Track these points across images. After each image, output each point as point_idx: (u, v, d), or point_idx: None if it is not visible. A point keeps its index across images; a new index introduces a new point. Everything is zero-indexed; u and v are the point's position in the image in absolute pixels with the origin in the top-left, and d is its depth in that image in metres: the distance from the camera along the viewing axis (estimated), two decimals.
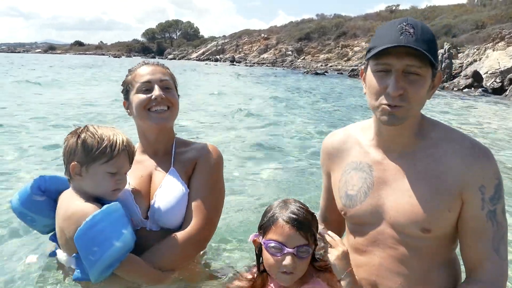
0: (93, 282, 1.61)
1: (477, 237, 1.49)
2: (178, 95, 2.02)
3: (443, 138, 1.55)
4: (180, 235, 1.83)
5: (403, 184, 1.55)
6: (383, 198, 1.58)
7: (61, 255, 1.75)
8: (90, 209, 1.64)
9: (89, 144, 1.70)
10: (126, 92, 1.98)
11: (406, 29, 1.41)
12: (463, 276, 1.67)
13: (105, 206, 1.63)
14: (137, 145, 2.04)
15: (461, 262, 1.68)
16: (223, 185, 2.03)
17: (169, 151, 2.00)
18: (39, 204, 1.83)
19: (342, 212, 1.73)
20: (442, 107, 13.98)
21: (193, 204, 1.87)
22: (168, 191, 1.87)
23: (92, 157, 1.70)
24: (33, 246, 2.58)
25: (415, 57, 1.40)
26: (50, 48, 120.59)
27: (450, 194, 1.48)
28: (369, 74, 1.51)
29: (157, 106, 1.89)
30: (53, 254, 1.87)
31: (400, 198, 1.54)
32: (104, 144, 1.70)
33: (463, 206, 1.49)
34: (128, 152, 1.77)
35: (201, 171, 1.94)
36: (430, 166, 1.51)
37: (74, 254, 1.66)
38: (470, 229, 1.51)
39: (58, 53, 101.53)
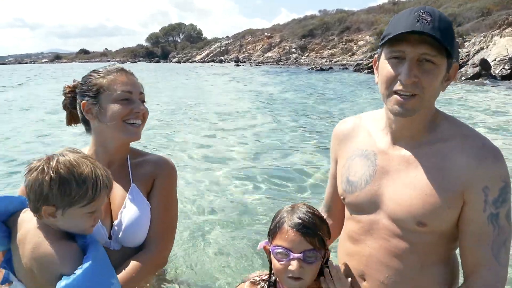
0: None
1: (476, 240, 1.43)
2: None
3: (454, 134, 1.49)
4: (145, 255, 1.82)
5: (405, 176, 1.50)
6: (383, 187, 1.55)
7: (20, 287, 1.59)
8: (63, 253, 1.47)
9: (67, 188, 1.46)
10: (95, 94, 1.83)
11: (423, 16, 1.37)
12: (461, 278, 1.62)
13: (91, 255, 1.46)
14: (86, 149, 1.92)
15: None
16: (177, 199, 2.02)
17: (124, 162, 1.93)
18: None
19: (342, 197, 1.71)
20: (450, 97, 13.77)
21: (154, 222, 1.86)
22: (132, 212, 1.82)
23: (70, 202, 1.48)
24: None
25: (430, 45, 1.36)
26: (56, 58, 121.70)
27: (452, 191, 1.42)
28: (382, 61, 1.47)
29: (135, 119, 1.84)
30: (4, 281, 1.66)
31: (399, 189, 1.50)
32: (85, 186, 1.47)
33: (465, 207, 1.43)
34: (108, 187, 1.58)
35: (161, 189, 1.91)
36: (435, 160, 1.46)
37: None
38: (469, 231, 1.45)
39: (64, 62, 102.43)
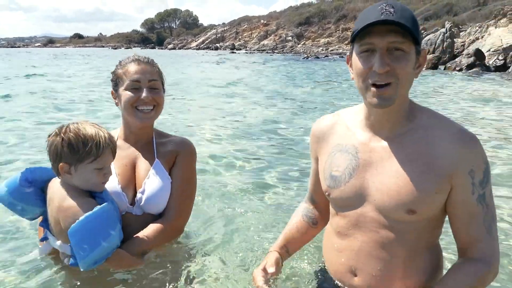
0: (82, 269, 1.77)
1: (469, 220, 1.53)
2: (164, 90, 2.17)
3: (432, 123, 1.56)
4: (163, 222, 2.06)
5: (389, 166, 1.54)
6: (367, 180, 1.58)
7: (55, 241, 1.90)
8: (84, 205, 1.78)
9: (75, 146, 1.79)
10: (115, 84, 2.11)
11: (386, 9, 1.44)
12: (445, 262, 1.72)
13: (97, 207, 1.74)
14: (118, 130, 2.22)
15: (443, 247, 1.71)
16: (196, 176, 2.27)
17: (150, 141, 2.19)
18: (28, 194, 1.95)
19: (326, 193, 1.73)
20: (440, 87, 13.88)
21: (174, 194, 2.10)
22: (155, 182, 2.06)
23: (79, 158, 1.81)
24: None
25: (396, 33, 1.43)
26: (50, 42, 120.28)
27: (438, 176, 1.48)
28: (355, 57, 1.53)
29: (144, 106, 2.05)
30: (44, 238, 2.00)
31: (385, 179, 1.54)
32: (89, 145, 1.80)
33: (453, 191, 1.51)
34: (111, 148, 1.89)
35: (182, 164, 2.16)
36: (419, 149, 1.52)
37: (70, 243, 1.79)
38: (461, 213, 1.53)
39: (57, 47, 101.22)
